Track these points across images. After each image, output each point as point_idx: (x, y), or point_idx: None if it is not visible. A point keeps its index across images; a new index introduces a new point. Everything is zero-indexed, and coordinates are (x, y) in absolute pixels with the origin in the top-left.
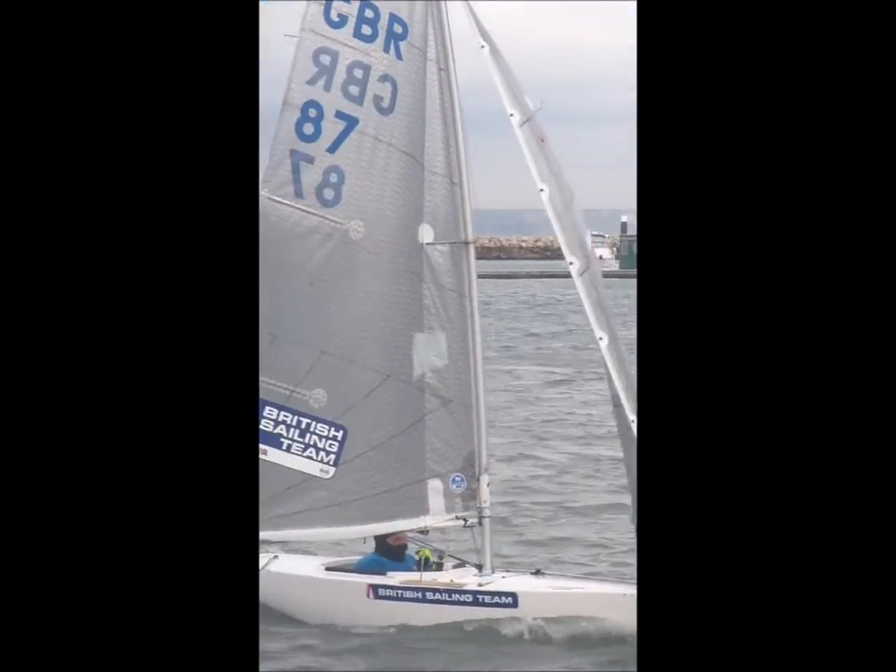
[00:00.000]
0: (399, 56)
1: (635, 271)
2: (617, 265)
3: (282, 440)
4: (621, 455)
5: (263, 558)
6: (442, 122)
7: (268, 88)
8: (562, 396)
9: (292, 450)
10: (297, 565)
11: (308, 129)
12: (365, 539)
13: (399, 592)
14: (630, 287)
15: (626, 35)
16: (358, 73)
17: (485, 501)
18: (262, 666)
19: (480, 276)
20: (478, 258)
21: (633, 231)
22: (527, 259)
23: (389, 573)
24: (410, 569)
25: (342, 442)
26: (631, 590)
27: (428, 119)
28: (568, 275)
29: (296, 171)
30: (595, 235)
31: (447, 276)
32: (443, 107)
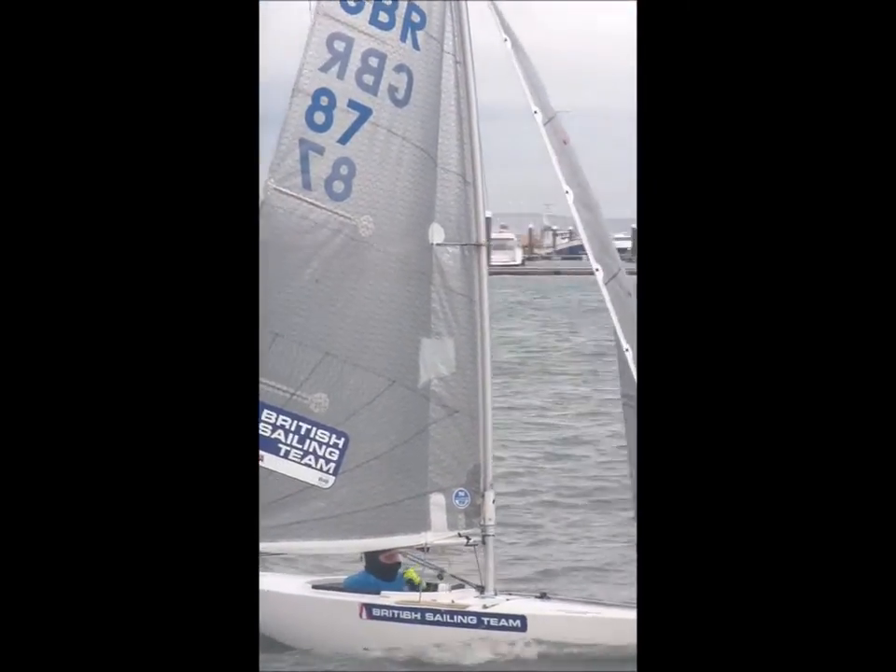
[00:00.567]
0: (416, 46)
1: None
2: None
3: (280, 445)
4: None
5: None
6: (457, 118)
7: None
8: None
9: (290, 456)
10: (279, 582)
11: (319, 118)
12: (362, 555)
13: (396, 612)
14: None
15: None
16: (373, 61)
17: (490, 519)
18: None
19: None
20: None
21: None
22: None
23: (384, 592)
24: (401, 589)
25: (342, 450)
26: None
27: (443, 114)
28: None
29: (304, 161)
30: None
31: (457, 280)
32: (458, 102)
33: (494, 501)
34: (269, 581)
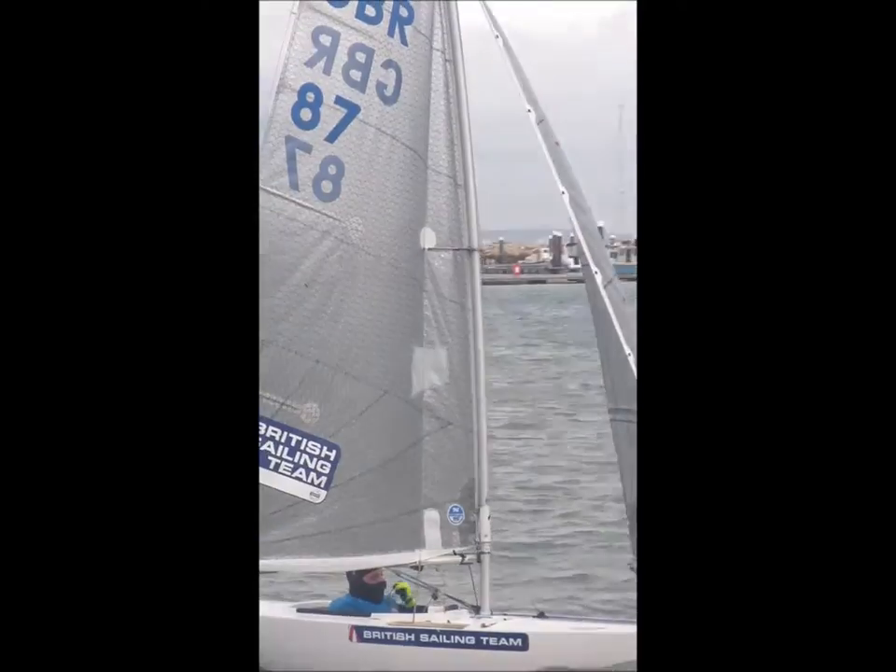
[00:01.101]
0: (404, 41)
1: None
2: None
3: (270, 458)
4: None
5: None
6: (447, 118)
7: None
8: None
9: (281, 469)
10: (262, 606)
11: (305, 115)
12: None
13: (388, 634)
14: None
15: None
16: (361, 56)
17: (486, 536)
18: None
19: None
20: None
21: None
22: None
23: (374, 614)
24: (390, 611)
25: (334, 463)
26: None
27: (433, 114)
28: None
29: (291, 160)
30: None
31: (449, 286)
32: (448, 101)
33: (490, 517)
34: None
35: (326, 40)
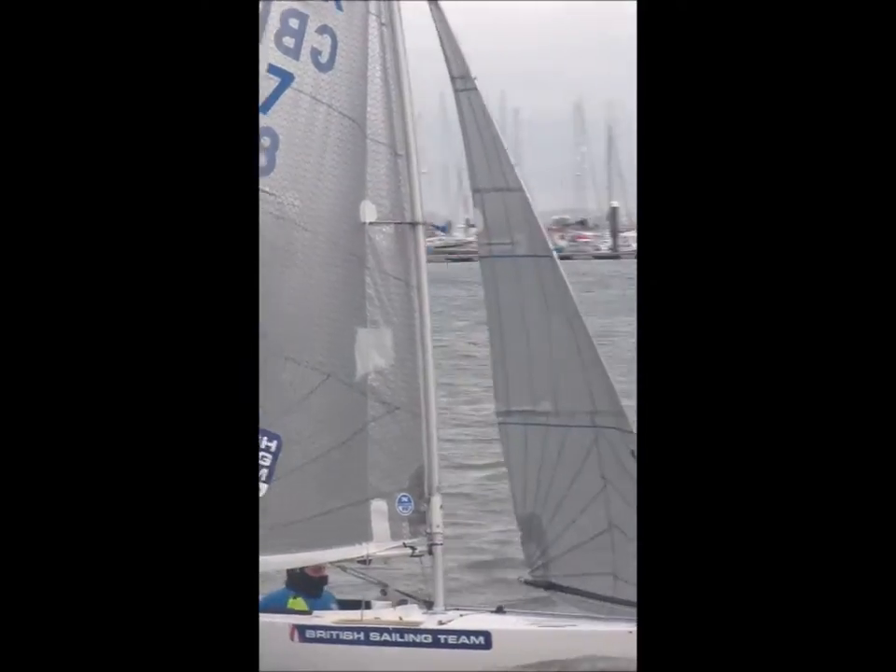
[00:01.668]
0: (339, 6)
1: None
2: None
3: None
4: None
5: None
6: (384, 84)
7: None
8: None
9: None
10: None
11: None
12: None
13: (334, 633)
14: None
15: None
16: (294, 22)
17: (437, 526)
18: None
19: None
20: None
21: None
22: None
23: (316, 612)
24: (329, 607)
25: (275, 454)
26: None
27: (370, 80)
28: None
29: None
30: None
31: (392, 262)
32: (384, 67)
33: (441, 507)
34: None
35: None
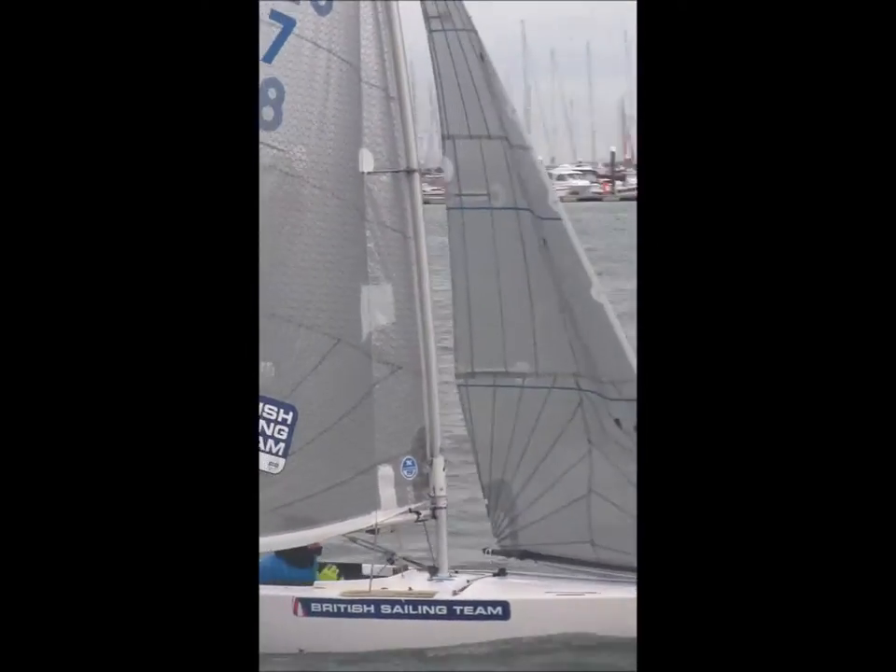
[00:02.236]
0: None
1: None
2: None
3: None
4: None
5: None
6: (375, 25)
7: None
8: None
9: None
10: None
11: None
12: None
13: (342, 606)
14: None
15: None
16: None
17: (441, 489)
18: None
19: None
20: None
21: None
22: None
23: (317, 583)
24: (314, 577)
25: (291, 426)
26: None
27: (363, 22)
28: None
29: None
30: None
31: (390, 214)
32: (376, 8)
33: (444, 469)
34: None
35: None
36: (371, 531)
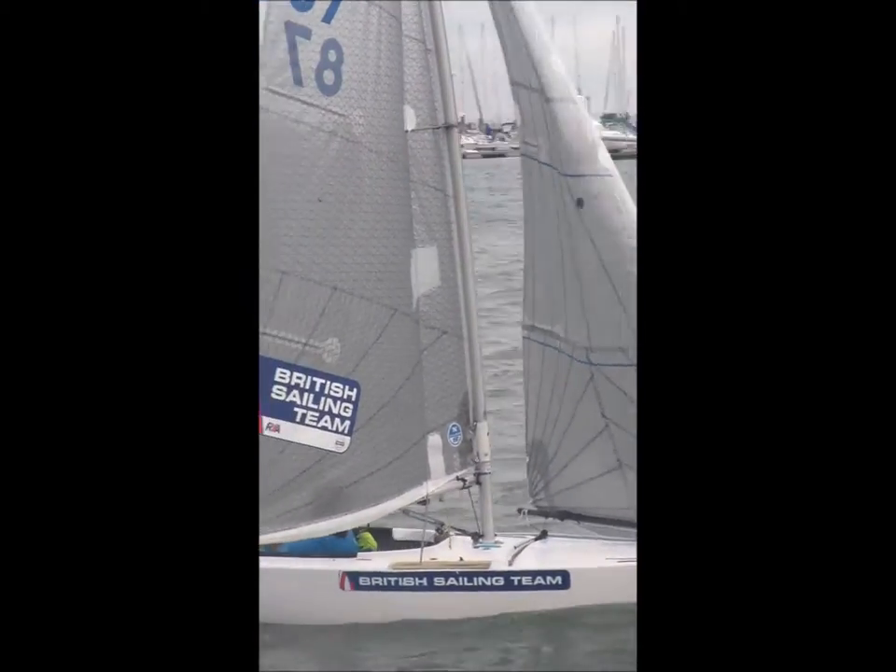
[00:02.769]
0: None
1: None
2: None
3: (296, 409)
4: None
5: None
6: None
7: None
8: None
9: (307, 421)
10: None
11: None
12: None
13: (392, 580)
14: None
15: None
16: None
17: (485, 455)
18: None
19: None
20: None
21: None
22: None
23: (361, 555)
24: (355, 548)
25: (356, 404)
26: None
27: None
28: None
29: (293, 49)
30: None
31: (433, 172)
32: None
33: (488, 433)
34: None
35: None
36: (423, 502)
